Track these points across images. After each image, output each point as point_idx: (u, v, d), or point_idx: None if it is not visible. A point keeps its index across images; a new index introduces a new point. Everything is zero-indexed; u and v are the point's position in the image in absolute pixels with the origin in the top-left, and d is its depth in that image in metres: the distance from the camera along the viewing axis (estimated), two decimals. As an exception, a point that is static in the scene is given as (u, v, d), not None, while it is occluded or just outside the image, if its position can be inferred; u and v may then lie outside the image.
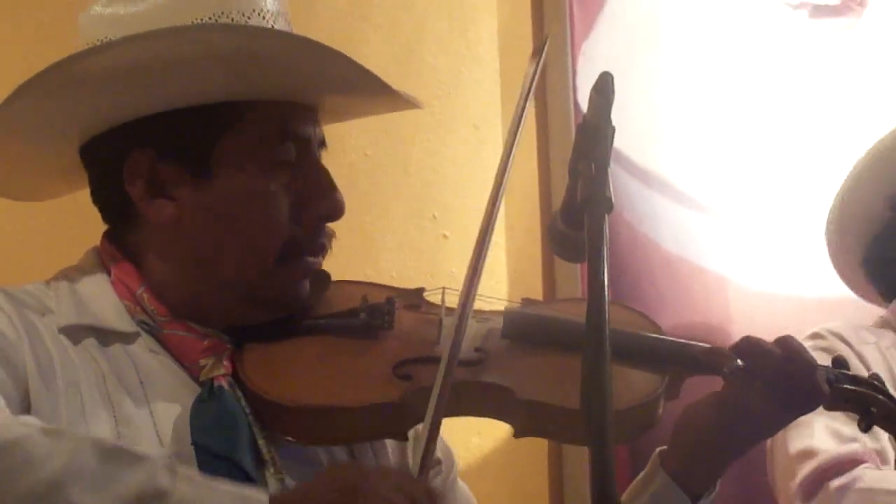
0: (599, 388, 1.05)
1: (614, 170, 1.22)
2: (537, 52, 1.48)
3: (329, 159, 1.47)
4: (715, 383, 1.52)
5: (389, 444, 1.47)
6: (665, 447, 1.55)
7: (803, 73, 2.72)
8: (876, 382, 1.61)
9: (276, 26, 1.41)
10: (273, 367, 1.38)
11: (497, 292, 2.28)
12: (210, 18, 1.37)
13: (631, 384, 1.45)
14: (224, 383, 1.36)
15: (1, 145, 1.42)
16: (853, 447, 2.02)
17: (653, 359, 1.50)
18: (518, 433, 1.43)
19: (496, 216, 1.38)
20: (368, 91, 1.47)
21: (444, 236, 2.39)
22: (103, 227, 1.46)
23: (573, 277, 2.45)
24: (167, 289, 1.39)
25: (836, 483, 1.98)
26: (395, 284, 1.58)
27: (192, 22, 1.36)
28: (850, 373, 1.61)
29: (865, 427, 1.61)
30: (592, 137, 1.26)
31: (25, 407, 1.26)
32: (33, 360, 1.30)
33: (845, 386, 1.57)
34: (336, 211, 1.43)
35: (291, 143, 1.41)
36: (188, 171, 1.38)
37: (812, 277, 2.42)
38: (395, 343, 1.44)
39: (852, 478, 1.98)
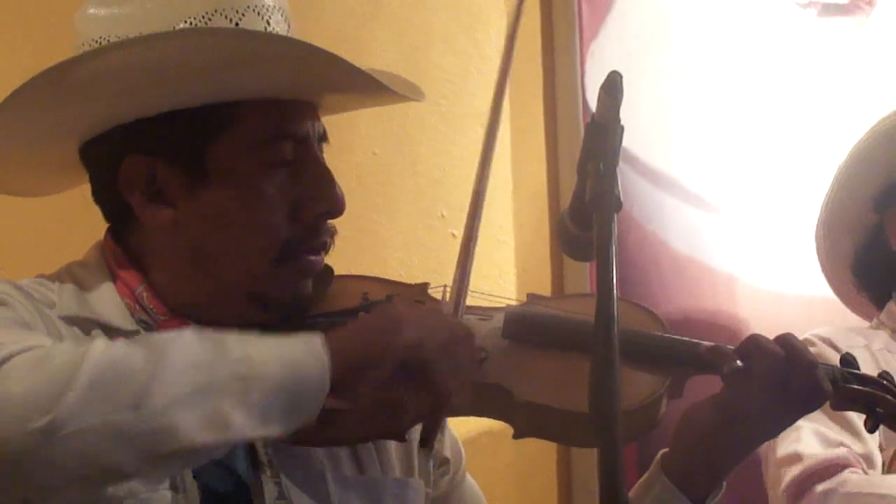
0: (608, 389, 1.06)
1: (623, 169, 1.22)
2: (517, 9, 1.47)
3: (337, 158, 1.46)
4: (717, 382, 1.51)
5: (391, 443, 1.47)
6: (667, 450, 1.55)
7: (812, 72, 2.72)
8: (885, 382, 1.59)
9: (272, 21, 1.39)
10: None
11: (506, 291, 2.28)
12: (205, 15, 1.35)
13: (634, 384, 1.44)
14: None
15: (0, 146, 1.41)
16: (839, 451, 2.02)
17: (656, 357, 1.49)
18: (517, 434, 1.43)
19: (485, 188, 1.41)
20: (368, 89, 1.46)
21: (453, 235, 2.39)
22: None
23: (582, 276, 2.45)
24: (167, 289, 1.38)
25: (821, 487, 1.98)
26: (403, 283, 1.58)
27: (188, 19, 1.35)
28: (859, 372, 1.60)
29: (872, 427, 1.60)
30: (601, 136, 1.26)
31: None
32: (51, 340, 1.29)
33: (851, 386, 1.57)
34: (335, 207, 1.41)
35: (288, 141, 1.39)
36: (184, 174, 1.36)
37: (820, 276, 2.42)
38: None
39: (838, 482, 1.98)
